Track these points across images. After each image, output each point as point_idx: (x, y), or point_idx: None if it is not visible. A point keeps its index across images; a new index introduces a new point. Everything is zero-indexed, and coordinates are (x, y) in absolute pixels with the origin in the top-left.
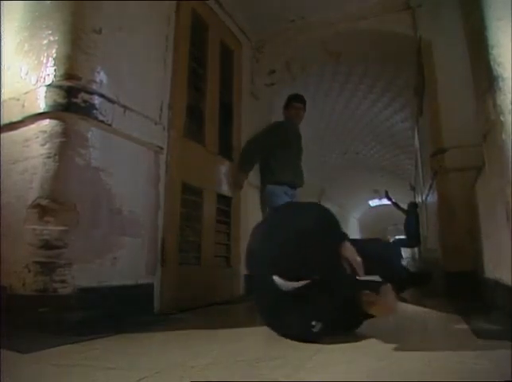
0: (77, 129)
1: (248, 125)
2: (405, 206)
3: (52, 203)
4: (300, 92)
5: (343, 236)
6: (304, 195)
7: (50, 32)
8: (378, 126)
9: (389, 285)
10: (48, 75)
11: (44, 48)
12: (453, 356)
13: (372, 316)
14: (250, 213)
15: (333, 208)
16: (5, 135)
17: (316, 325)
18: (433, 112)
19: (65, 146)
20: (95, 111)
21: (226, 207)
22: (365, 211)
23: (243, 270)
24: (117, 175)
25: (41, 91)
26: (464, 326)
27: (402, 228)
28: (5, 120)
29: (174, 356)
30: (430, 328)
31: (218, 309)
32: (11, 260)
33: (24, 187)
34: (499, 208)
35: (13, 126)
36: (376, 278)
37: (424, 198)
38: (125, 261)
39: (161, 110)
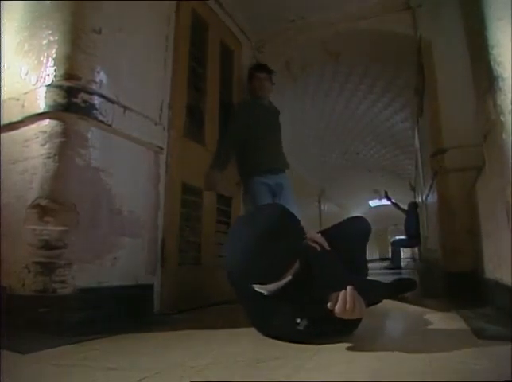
0: (77, 129)
1: None
2: (405, 206)
3: (52, 203)
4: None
5: (303, 229)
6: (304, 195)
7: (50, 32)
8: (378, 126)
9: (351, 287)
10: (48, 75)
11: (44, 48)
12: (454, 356)
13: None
14: None
15: (333, 209)
16: (5, 135)
17: (301, 323)
18: (433, 112)
19: (65, 146)
20: (94, 111)
21: (226, 207)
22: (365, 211)
23: None
24: (117, 175)
25: (41, 91)
26: (464, 326)
27: (402, 228)
28: (5, 120)
29: (174, 357)
30: (430, 328)
31: (218, 310)
32: (11, 260)
33: (24, 187)
34: (499, 209)
35: (12, 126)
36: (375, 278)
37: (424, 198)
38: (125, 261)
39: (161, 110)
